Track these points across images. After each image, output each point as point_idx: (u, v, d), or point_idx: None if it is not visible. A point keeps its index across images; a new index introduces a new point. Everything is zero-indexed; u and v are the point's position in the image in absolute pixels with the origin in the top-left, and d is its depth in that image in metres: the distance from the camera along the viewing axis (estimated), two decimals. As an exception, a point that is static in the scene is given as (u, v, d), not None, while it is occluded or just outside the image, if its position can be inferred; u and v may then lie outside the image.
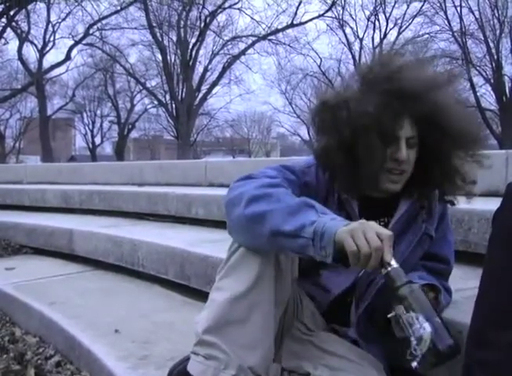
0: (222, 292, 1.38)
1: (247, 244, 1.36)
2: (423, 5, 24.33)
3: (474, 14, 23.49)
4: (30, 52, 31.45)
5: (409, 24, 25.75)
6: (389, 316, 1.40)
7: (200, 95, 25.91)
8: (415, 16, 25.15)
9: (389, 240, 1.16)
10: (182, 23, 24.67)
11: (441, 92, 1.44)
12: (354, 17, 26.21)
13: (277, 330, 1.46)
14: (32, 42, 25.18)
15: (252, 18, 25.19)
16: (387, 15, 26.02)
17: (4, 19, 21.73)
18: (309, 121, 1.57)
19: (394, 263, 1.14)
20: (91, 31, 24.53)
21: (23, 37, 23.95)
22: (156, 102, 27.53)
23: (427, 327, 1.09)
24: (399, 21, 25.83)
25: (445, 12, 24.06)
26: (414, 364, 1.11)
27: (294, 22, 24.95)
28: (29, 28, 24.01)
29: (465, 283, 1.78)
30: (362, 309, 1.51)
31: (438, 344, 1.08)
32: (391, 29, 26.32)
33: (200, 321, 1.39)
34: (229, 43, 26.12)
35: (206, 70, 26.13)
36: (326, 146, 1.47)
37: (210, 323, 1.36)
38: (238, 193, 1.37)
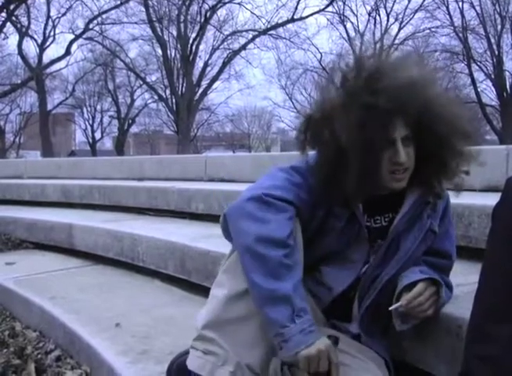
0: (222, 288, 1.39)
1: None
2: (424, 0, 24.30)
3: (475, 9, 23.50)
4: (30, 47, 31.45)
5: (410, 19, 25.77)
6: (390, 308, 1.41)
7: (201, 90, 25.90)
8: (416, 11, 25.15)
9: (337, 368, 1.33)
10: (182, 17, 24.63)
11: (425, 90, 1.39)
12: (355, 12, 26.22)
13: None
14: (32, 37, 25.21)
15: (252, 12, 25.20)
16: (388, 10, 26.04)
17: (4, 14, 21.69)
18: (295, 138, 1.54)
19: None
20: (91, 26, 24.56)
21: (23, 32, 23.93)
22: (156, 97, 27.53)
23: None
24: (400, 16, 25.85)
25: (447, 7, 24.07)
26: None
27: (295, 16, 24.93)
28: (29, 23, 24.02)
29: (465, 278, 1.77)
30: (365, 305, 1.51)
31: None
32: (391, 24, 26.33)
33: (201, 316, 1.39)
34: (229, 38, 26.12)
35: (206, 64, 26.11)
36: (317, 163, 1.46)
37: (210, 318, 1.37)
38: (246, 230, 1.35)
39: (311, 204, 1.46)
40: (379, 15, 26.32)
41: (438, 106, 1.40)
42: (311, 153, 1.50)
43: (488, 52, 23.75)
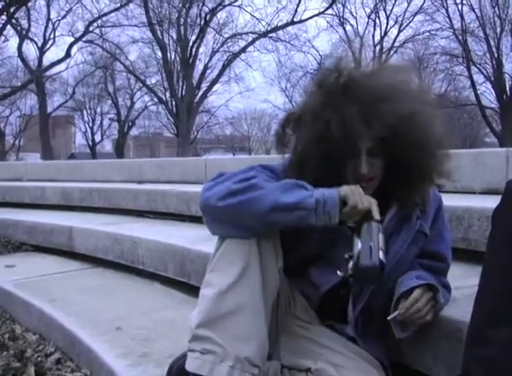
0: (210, 287, 1.40)
1: (231, 233, 1.40)
2: (423, 3, 24.36)
3: (474, 12, 23.53)
4: (30, 50, 31.42)
5: (410, 22, 25.79)
6: (389, 318, 1.41)
7: (200, 92, 25.92)
8: (415, 14, 25.17)
9: (375, 204, 1.35)
10: (182, 20, 24.68)
11: (399, 100, 1.39)
12: (354, 15, 26.25)
13: (272, 326, 1.47)
14: (32, 40, 25.23)
15: (252, 15, 25.24)
16: (388, 12, 26.05)
17: (4, 17, 21.71)
18: (275, 133, 1.58)
19: (377, 219, 1.35)
20: (91, 29, 24.58)
21: (23, 35, 23.95)
22: (156, 99, 27.54)
23: (359, 246, 1.31)
24: (400, 19, 25.87)
25: (446, 10, 24.09)
26: (339, 272, 1.38)
27: (294, 19, 24.98)
28: (29, 25, 24.03)
29: (465, 280, 1.77)
30: (358, 309, 1.50)
31: (360, 260, 1.29)
32: (391, 27, 26.35)
33: (193, 317, 1.39)
34: (229, 40, 26.15)
35: (206, 67, 26.13)
36: (290, 161, 1.50)
37: (203, 317, 1.37)
38: (218, 191, 1.38)
39: None
40: (378, 17, 26.39)
41: (410, 121, 1.39)
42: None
43: (488, 55, 23.76)
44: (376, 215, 1.33)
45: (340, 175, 1.43)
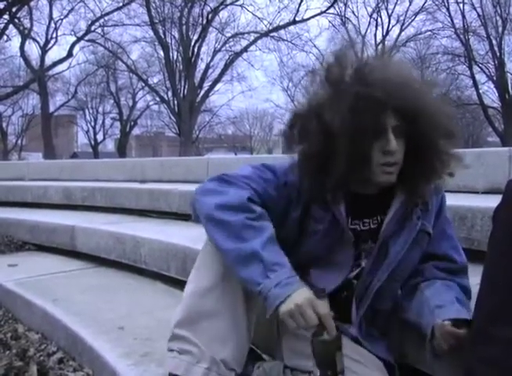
0: (190, 285, 1.39)
1: None
2: (425, 2, 24.39)
3: (476, 11, 23.52)
4: (33, 49, 31.60)
5: (412, 21, 25.82)
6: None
7: (202, 92, 25.93)
8: (417, 13, 25.19)
9: (328, 318, 1.26)
10: (184, 19, 24.69)
11: (413, 85, 1.40)
12: (356, 14, 26.22)
13: (274, 327, 1.46)
14: (34, 39, 25.31)
15: (254, 15, 25.25)
16: (390, 12, 26.09)
17: (6, 16, 21.74)
18: (283, 135, 1.55)
19: (331, 335, 1.26)
20: (93, 28, 24.63)
21: (26, 34, 23.99)
22: (158, 99, 27.58)
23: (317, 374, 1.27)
24: (401, 18, 25.89)
25: (448, 9, 24.07)
26: None
27: (296, 18, 24.96)
28: (31, 25, 24.10)
29: (469, 280, 1.77)
30: (362, 310, 1.50)
31: None
32: (393, 26, 26.38)
33: (174, 316, 1.39)
34: (231, 40, 26.17)
35: (208, 67, 26.16)
36: (304, 156, 1.44)
37: (181, 316, 1.37)
38: (203, 204, 1.40)
39: (278, 203, 1.45)
40: (380, 17, 26.39)
41: (426, 102, 1.39)
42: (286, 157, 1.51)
43: (490, 54, 23.75)
44: (331, 330, 1.26)
45: (365, 161, 1.37)
